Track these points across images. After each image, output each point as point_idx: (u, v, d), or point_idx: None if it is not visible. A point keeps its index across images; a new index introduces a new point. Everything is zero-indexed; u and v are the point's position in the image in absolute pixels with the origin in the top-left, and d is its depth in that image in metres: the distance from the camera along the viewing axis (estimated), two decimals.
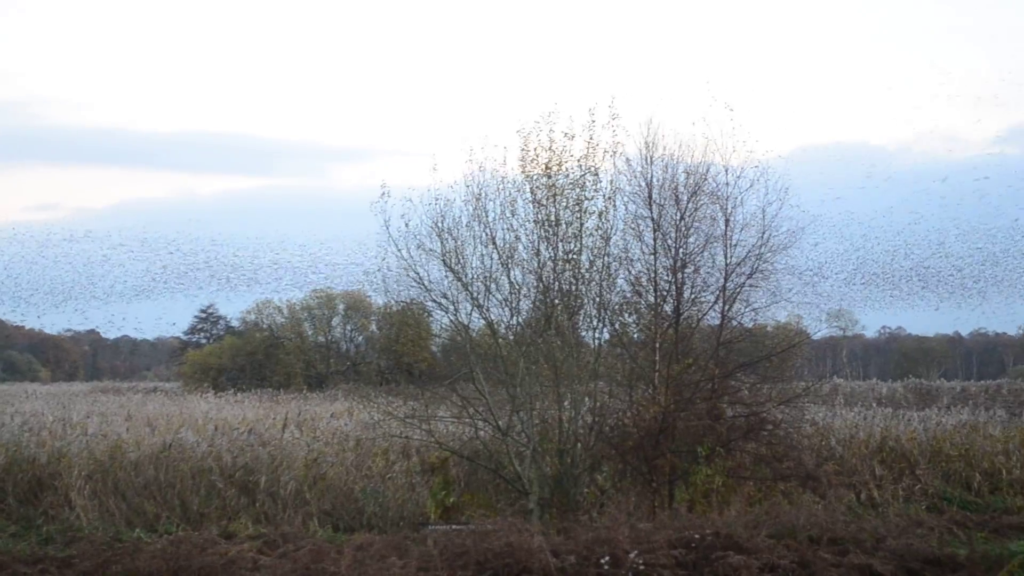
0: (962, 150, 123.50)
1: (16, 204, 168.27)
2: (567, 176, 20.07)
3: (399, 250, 19.95)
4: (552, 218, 19.86)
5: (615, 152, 20.64)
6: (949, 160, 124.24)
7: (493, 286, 19.92)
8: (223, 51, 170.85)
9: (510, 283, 19.95)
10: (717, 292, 21.37)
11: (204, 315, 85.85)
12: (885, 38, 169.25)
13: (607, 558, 13.03)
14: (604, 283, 20.46)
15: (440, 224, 19.76)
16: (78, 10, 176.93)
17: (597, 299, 20.53)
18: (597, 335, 21.02)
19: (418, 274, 20.00)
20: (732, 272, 21.29)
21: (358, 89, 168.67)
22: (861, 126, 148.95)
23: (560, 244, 19.91)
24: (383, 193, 20.05)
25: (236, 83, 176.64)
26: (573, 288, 20.17)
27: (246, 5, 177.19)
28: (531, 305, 20.53)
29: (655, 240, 21.01)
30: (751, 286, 21.57)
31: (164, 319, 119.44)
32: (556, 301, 20.07)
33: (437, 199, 19.88)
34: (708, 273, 21.43)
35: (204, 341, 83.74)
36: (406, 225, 19.87)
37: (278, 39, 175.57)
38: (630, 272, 21.31)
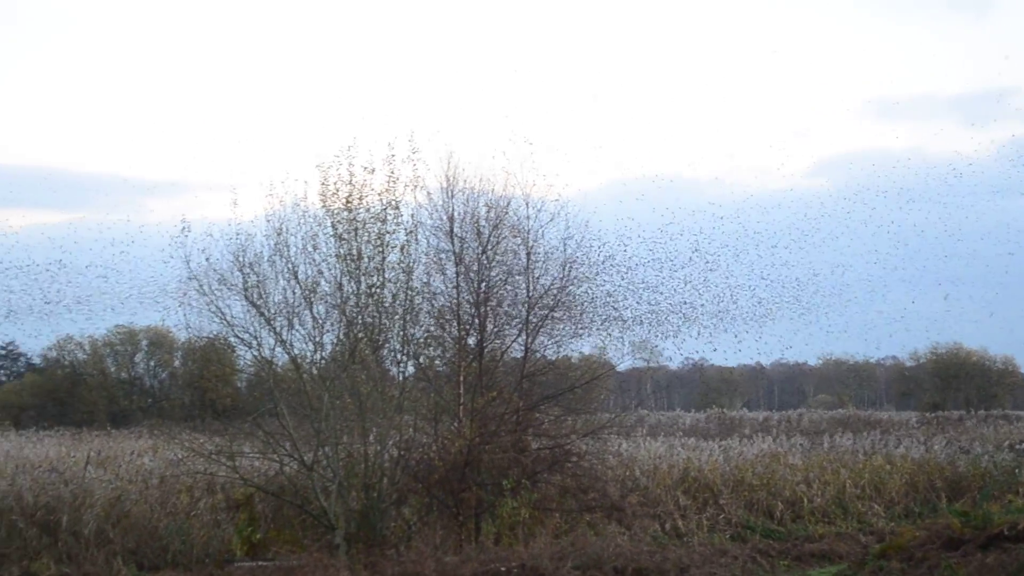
0: (774, 183, 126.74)
1: None
2: (368, 210, 20.07)
3: (200, 285, 19.65)
4: (354, 252, 19.84)
5: (416, 186, 20.86)
6: (761, 194, 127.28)
7: (296, 321, 19.78)
8: (24, 83, 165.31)
9: (313, 317, 19.84)
10: (520, 325, 21.62)
11: (3, 352, 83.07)
12: (699, 75, 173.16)
13: None
14: (408, 317, 20.54)
15: (241, 258, 19.54)
16: None
17: (401, 333, 20.60)
18: (402, 369, 21.13)
19: (220, 309, 19.71)
20: (535, 305, 21.58)
21: (169, 123, 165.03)
22: (673, 160, 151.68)
23: (363, 278, 19.89)
24: (183, 228, 19.81)
25: (40, 118, 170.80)
26: (377, 322, 20.15)
27: (55, 38, 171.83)
28: (335, 339, 20.44)
29: (458, 274, 21.20)
30: (554, 319, 21.88)
31: None
32: (360, 335, 20.01)
33: (238, 234, 19.71)
34: (511, 306, 21.70)
35: (4, 379, 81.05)
36: (207, 260, 19.60)
37: (83, 72, 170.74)
38: (433, 306, 21.46)
